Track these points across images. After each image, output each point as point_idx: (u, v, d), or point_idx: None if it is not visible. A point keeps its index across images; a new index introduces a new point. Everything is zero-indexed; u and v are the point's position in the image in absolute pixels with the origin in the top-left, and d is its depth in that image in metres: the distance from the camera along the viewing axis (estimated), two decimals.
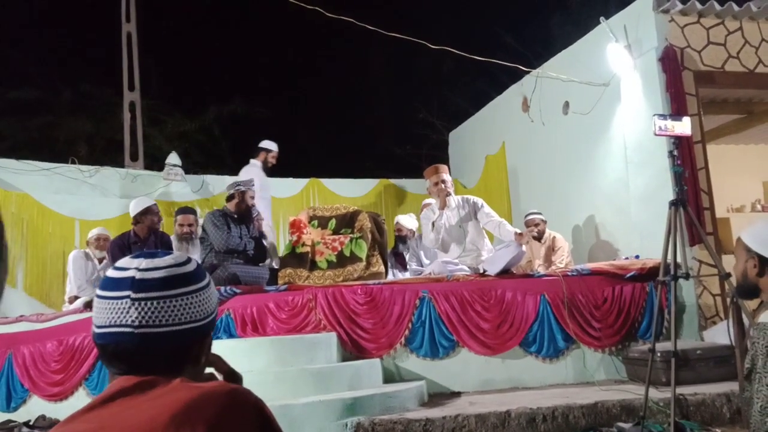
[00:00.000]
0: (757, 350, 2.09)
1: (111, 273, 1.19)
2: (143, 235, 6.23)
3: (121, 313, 1.14)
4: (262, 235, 6.66)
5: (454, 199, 6.20)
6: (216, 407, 1.06)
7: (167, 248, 6.29)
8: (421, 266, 7.01)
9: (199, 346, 1.22)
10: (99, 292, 1.19)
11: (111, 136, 14.10)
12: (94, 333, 1.17)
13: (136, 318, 1.13)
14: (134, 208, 6.38)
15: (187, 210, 7.04)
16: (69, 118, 15.11)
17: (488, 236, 6.34)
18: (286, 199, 9.73)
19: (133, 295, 1.14)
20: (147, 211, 6.31)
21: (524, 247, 5.70)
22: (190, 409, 1.04)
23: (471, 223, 6.11)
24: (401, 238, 7.52)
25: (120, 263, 1.20)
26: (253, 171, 7.58)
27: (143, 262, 1.18)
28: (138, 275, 1.16)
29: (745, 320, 3.85)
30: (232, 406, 1.08)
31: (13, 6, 14.49)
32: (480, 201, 6.22)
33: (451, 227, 6.07)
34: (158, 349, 1.15)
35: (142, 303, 1.14)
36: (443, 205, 6.10)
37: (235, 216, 6.15)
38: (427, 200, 7.33)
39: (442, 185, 6.15)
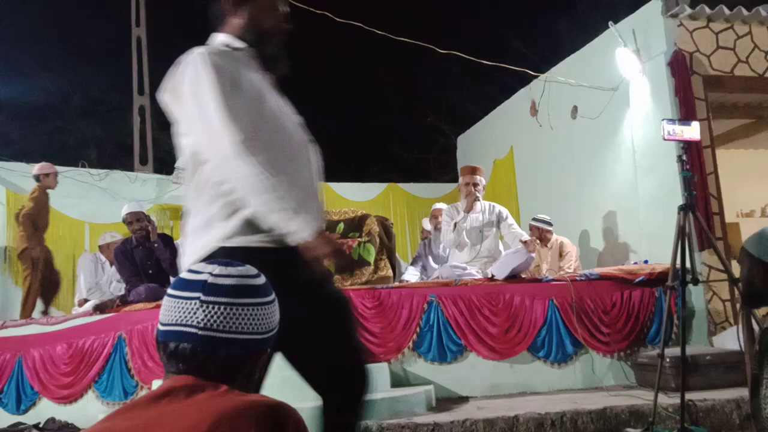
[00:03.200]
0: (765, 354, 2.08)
1: (185, 275, 1.24)
2: (141, 240, 6.19)
3: (189, 313, 1.19)
4: None
5: (480, 204, 6.11)
6: (257, 420, 1.08)
7: (172, 251, 6.26)
8: (425, 270, 6.97)
9: (255, 360, 1.26)
10: (170, 291, 1.24)
11: (121, 141, 14.19)
12: (159, 330, 1.22)
13: (203, 320, 1.18)
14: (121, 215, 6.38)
15: None
16: (79, 123, 15.22)
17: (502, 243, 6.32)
18: None
19: (203, 297, 1.19)
20: (124, 221, 6.30)
21: (533, 253, 5.67)
22: (232, 420, 1.06)
23: (492, 231, 6.08)
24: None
25: (196, 267, 1.25)
26: None
27: (216, 269, 1.23)
28: (210, 279, 1.21)
29: (755, 326, 3.83)
30: (274, 420, 1.10)
31: (24, 12, 14.59)
32: (505, 212, 6.17)
33: (473, 230, 6.02)
34: (216, 355, 1.19)
35: (211, 306, 1.19)
36: (469, 208, 6.02)
37: None
38: (438, 205, 7.33)
39: (473, 188, 6.05)
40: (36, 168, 7.25)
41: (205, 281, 1.21)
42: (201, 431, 1.04)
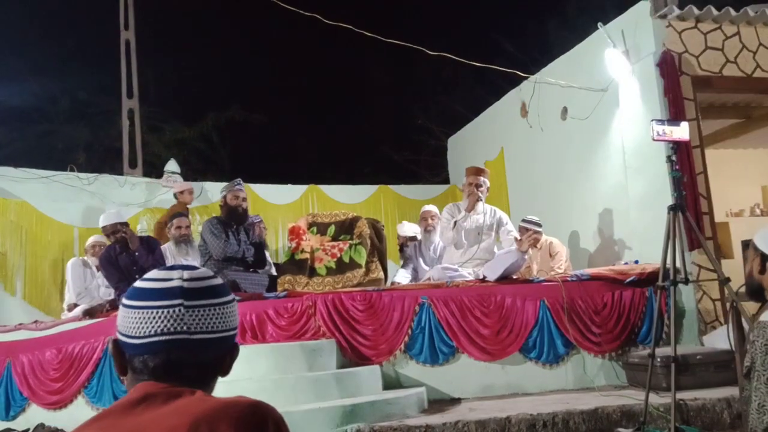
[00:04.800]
0: (757, 348, 2.09)
1: (150, 284, 1.22)
2: (122, 246, 6.13)
3: (174, 320, 1.18)
4: (263, 243, 6.63)
5: (482, 206, 6.12)
6: (237, 420, 1.08)
7: (156, 255, 6.22)
8: (416, 272, 6.95)
9: (232, 355, 1.29)
10: (139, 302, 1.21)
11: (110, 144, 14.12)
12: (136, 344, 1.19)
13: (192, 324, 1.19)
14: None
15: (181, 214, 7.06)
16: (68, 127, 15.13)
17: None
18: (284, 206, 9.71)
19: (186, 303, 1.19)
20: (104, 232, 6.31)
21: (525, 255, 5.67)
22: (211, 420, 1.07)
23: (491, 235, 6.09)
24: (400, 247, 7.50)
25: (156, 275, 1.24)
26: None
27: (185, 273, 1.23)
28: (186, 284, 1.21)
29: (745, 325, 3.84)
30: (253, 419, 1.11)
31: (11, 14, 14.51)
32: (506, 218, 6.20)
33: (471, 230, 6.02)
34: (206, 356, 1.22)
35: (196, 310, 1.20)
36: (470, 208, 6.03)
37: (231, 222, 6.04)
38: (427, 207, 7.30)
39: (475, 189, 6.05)
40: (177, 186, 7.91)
41: (182, 287, 1.21)
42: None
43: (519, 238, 5.73)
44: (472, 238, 6.03)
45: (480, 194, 6.04)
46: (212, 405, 1.10)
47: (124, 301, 1.24)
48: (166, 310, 1.19)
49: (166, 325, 1.18)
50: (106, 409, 1.14)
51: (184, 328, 1.18)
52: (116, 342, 1.24)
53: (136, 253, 6.05)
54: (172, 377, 1.17)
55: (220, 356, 1.26)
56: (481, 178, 6.12)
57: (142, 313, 1.19)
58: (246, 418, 1.09)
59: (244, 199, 6.15)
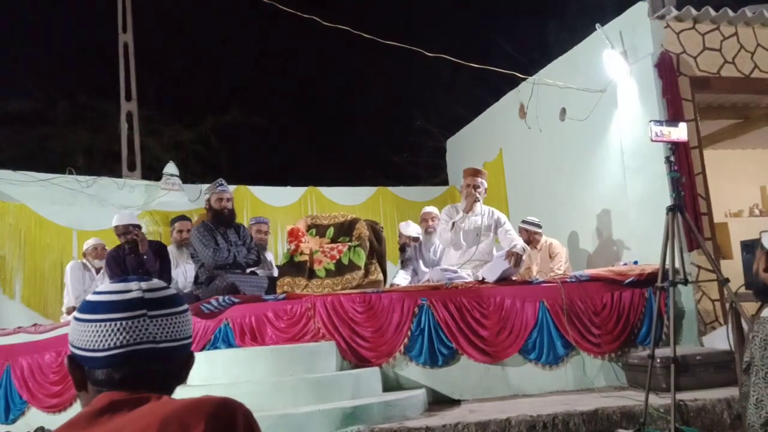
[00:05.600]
0: (756, 344, 2.09)
1: (108, 297, 1.22)
2: (132, 248, 6.16)
3: (138, 331, 1.19)
4: (260, 246, 6.61)
5: (480, 206, 6.11)
6: (206, 416, 1.09)
7: (163, 257, 6.24)
8: (416, 274, 6.95)
9: (190, 362, 1.31)
10: (98, 315, 1.20)
11: (108, 147, 14.11)
12: (99, 357, 1.18)
13: (157, 334, 1.21)
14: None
15: (183, 217, 7.06)
16: (66, 130, 15.12)
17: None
18: (283, 208, 9.71)
19: (150, 313, 1.21)
20: (116, 231, 6.35)
21: (524, 257, 5.66)
22: (180, 418, 1.07)
23: (489, 236, 6.08)
24: (401, 247, 7.49)
25: (112, 288, 1.25)
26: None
27: (143, 284, 1.25)
28: (147, 295, 1.23)
29: (745, 325, 3.85)
30: (223, 414, 1.11)
31: (10, 17, 14.51)
32: (504, 218, 6.18)
33: (469, 231, 6.01)
34: (171, 363, 1.24)
35: (159, 319, 1.22)
36: (468, 209, 6.01)
37: (219, 225, 5.94)
38: (427, 208, 7.30)
39: (473, 190, 6.04)
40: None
41: (142, 297, 1.22)
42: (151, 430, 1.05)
43: (516, 251, 5.62)
44: (471, 239, 6.02)
45: (478, 195, 6.04)
46: (181, 404, 1.11)
47: (79, 315, 1.23)
48: (129, 321, 1.19)
49: (132, 336, 1.19)
50: (68, 421, 1.13)
51: (150, 337, 1.20)
52: (72, 357, 1.23)
53: (145, 257, 6.06)
54: (136, 387, 1.18)
55: (182, 364, 1.27)
56: (479, 179, 6.11)
57: (104, 325, 1.19)
58: (216, 413, 1.10)
59: (229, 200, 6.03)
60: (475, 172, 6.20)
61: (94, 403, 1.15)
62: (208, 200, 6.04)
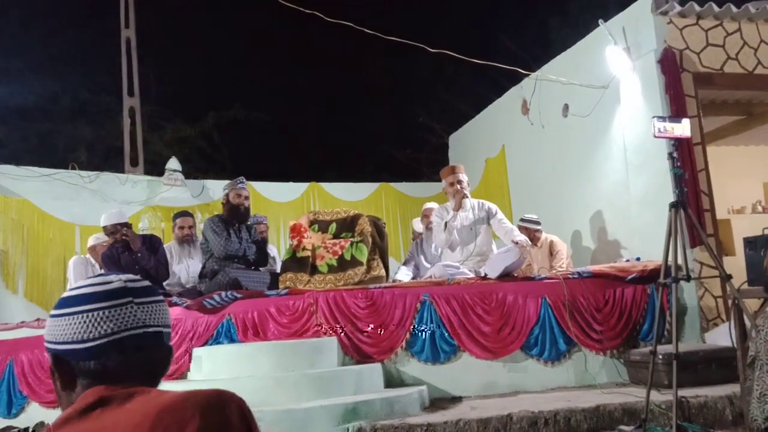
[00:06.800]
0: (762, 337, 2.08)
1: (89, 289, 1.23)
2: (124, 246, 6.15)
3: (128, 317, 1.21)
4: (264, 241, 6.63)
5: (469, 201, 6.07)
6: (200, 407, 1.08)
7: (155, 251, 6.22)
8: (417, 270, 6.95)
9: (171, 353, 1.32)
10: (81, 307, 1.20)
11: (111, 143, 14.13)
12: (89, 347, 1.18)
13: (145, 319, 1.22)
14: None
15: (185, 213, 7.05)
16: (69, 125, 15.14)
17: (495, 242, 6.29)
18: (286, 204, 9.72)
19: (136, 300, 1.23)
20: (105, 231, 6.33)
21: (527, 247, 5.65)
22: (174, 410, 1.07)
23: (483, 228, 6.04)
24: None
25: (92, 281, 1.25)
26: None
27: (122, 276, 1.27)
28: (129, 284, 1.25)
29: (747, 322, 3.84)
30: (216, 405, 1.11)
31: (12, 13, 14.51)
32: (495, 207, 6.14)
33: (463, 228, 5.99)
34: (161, 353, 1.26)
35: (144, 306, 1.23)
36: (458, 207, 5.99)
37: (233, 220, 6.03)
38: (429, 204, 7.30)
39: (458, 186, 6.01)
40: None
41: (125, 287, 1.24)
42: (146, 426, 1.05)
43: (518, 240, 5.65)
44: (466, 235, 6.00)
45: (464, 191, 6.02)
46: (173, 397, 1.11)
47: (59, 311, 1.23)
48: (117, 309, 1.20)
49: (121, 323, 1.20)
50: (60, 417, 1.13)
51: (139, 323, 1.21)
52: (57, 356, 1.22)
53: (138, 254, 6.05)
54: (127, 378, 1.18)
55: (168, 353, 1.29)
56: (459, 175, 6.08)
57: (89, 315, 1.19)
58: (209, 403, 1.10)
59: (247, 198, 6.14)
60: (454, 169, 6.18)
61: (84, 399, 1.14)
62: (227, 195, 6.11)
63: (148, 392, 1.15)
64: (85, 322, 1.19)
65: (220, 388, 1.16)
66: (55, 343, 1.21)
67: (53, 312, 1.24)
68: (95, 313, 1.19)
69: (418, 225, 7.56)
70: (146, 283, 1.29)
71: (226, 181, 6.57)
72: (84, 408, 1.12)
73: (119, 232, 6.11)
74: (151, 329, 1.22)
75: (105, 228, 6.27)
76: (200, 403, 1.09)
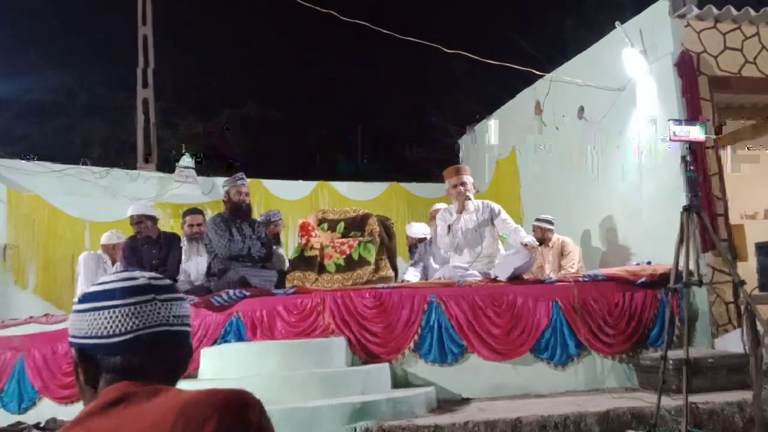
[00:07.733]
0: None
1: (115, 285, 1.23)
2: (145, 239, 6.25)
3: (152, 314, 1.21)
4: (277, 237, 6.62)
5: (473, 203, 5.98)
6: (219, 407, 1.09)
7: (176, 249, 6.28)
8: (426, 271, 6.91)
9: (192, 352, 1.33)
10: (107, 302, 1.21)
11: (125, 139, 14.22)
12: (114, 343, 1.19)
13: (169, 317, 1.23)
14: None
15: (194, 210, 7.05)
16: (84, 121, 15.25)
17: (502, 243, 6.25)
18: (295, 202, 9.73)
19: (159, 297, 1.23)
20: (131, 221, 6.43)
21: (536, 247, 5.61)
22: (195, 409, 1.08)
23: (488, 229, 5.96)
24: (410, 248, 7.47)
25: (118, 277, 1.26)
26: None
27: (146, 273, 1.27)
28: (153, 282, 1.25)
29: (760, 328, 3.79)
30: (236, 405, 1.11)
31: (30, 10, 14.61)
32: (498, 207, 6.06)
33: (468, 231, 5.93)
34: (183, 351, 1.27)
35: (168, 304, 1.24)
36: (461, 209, 5.91)
37: (235, 218, 5.94)
38: (437, 205, 7.27)
39: (461, 188, 5.91)
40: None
41: (150, 284, 1.24)
42: (167, 424, 1.05)
43: (527, 242, 5.59)
44: (471, 238, 5.92)
45: (468, 193, 5.93)
46: (193, 395, 1.11)
47: (85, 305, 1.23)
48: (141, 305, 1.21)
49: (146, 319, 1.20)
50: (83, 411, 1.14)
51: (163, 320, 1.22)
52: (82, 351, 1.23)
53: (156, 249, 6.15)
54: (151, 375, 1.19)
55: (189, 351, 1.29)
56: (463, 177, 5.98)
57: (117, 311, 1.20)
58: (229, 403, 1.10)
59: (247, 194, 6.06)
60: (457, 171, 6.08)
61: (108, 394, 1.15)
62: (227, 192, 6.04)
63: (169, 390, 1.16)
64: (110, 317, 1.20)
65: (239, 389, 1.16)
66: (81, 337, 1.23)
67: (78, 306, 1.25)
68: (123, 309, 1.20)
69: (411, 230, 7.53)
70: (168, 281, 1.29)
71: (226, 178, 6.54)
72: (108, 403, 1.13)
73: (142, 222, 6.21)
74: (174, 327, 1.23)
75: (131, 217, 6.35)
76: (220, 402, 1.09)
